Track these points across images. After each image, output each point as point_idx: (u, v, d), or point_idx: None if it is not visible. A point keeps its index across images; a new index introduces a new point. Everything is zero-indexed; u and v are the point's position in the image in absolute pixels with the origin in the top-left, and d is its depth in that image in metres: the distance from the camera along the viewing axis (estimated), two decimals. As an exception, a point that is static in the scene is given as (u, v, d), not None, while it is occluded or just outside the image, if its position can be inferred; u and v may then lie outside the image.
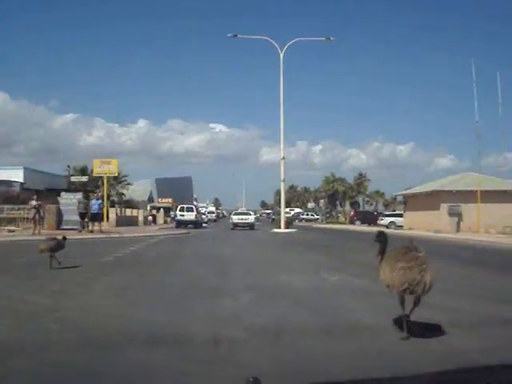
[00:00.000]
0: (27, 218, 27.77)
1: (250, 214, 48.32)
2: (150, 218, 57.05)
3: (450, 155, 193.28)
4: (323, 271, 12.17)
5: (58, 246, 12.02)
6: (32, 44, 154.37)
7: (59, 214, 31.19)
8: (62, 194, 33.01)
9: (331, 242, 26.70)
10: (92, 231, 28.16)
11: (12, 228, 27.74)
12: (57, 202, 32.08)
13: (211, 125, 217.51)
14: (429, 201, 42.17)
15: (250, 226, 44.74)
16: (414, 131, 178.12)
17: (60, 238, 12.45)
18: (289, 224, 45.18)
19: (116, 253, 16.36)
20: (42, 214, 28.26)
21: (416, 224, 43.23)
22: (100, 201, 29.97)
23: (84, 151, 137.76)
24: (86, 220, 29.36)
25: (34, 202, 26.97)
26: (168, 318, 6.61)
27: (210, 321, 6.55)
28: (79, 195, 30.91)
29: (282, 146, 43.91)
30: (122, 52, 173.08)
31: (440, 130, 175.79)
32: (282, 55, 43.67)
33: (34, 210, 26.58)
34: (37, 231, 25.58)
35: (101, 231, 28.32)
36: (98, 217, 29.47)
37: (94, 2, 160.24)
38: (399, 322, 5.71)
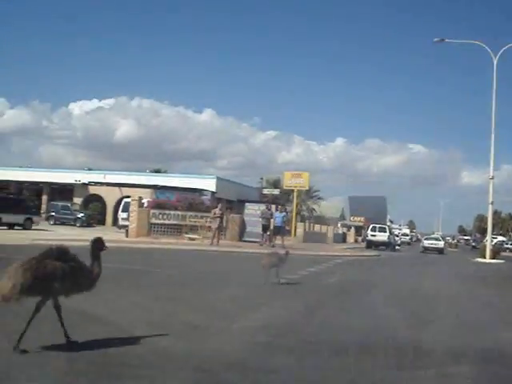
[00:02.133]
0: (209, 227, 26.55)
1: (440, 240, 50.76)
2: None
3: None
4: None
5: (280, 261, 11.64)
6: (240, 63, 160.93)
7: (243, 225, 29.71)
8: (247, 204, 31.54)
9: None
10: (274, 245, 26.07)
11: (193, 236, 26.70)
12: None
13: (409, 145, 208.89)
14: None
15: (439, 251, 46.12)
16: None
17: (283, 252, 12.21)
18: (495, 254, 39.27)
19: (291, 274, 13.16)
20: (224, 223, 26.98)
21: None
22: (284, 213, 27.86)
23: (282, 167, 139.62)
24: (268, 233, 27.44)
25: (217, 211, 25.71)
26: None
27: None
28: (263, 206, 29.10)
29: (491, 163, 38.20)
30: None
31: None
32: (495, 62, 38.05)
33: (217, 220, 25.27)
34: (215, 241, 24.13)
35: (283, 246, 26.11)
36: (280, 230, 27.38)
37: None
38: None
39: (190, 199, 29.90)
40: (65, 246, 5.45)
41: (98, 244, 5.47)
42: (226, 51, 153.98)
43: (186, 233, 27.22)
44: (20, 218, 30.48)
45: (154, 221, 27.50)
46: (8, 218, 29.67)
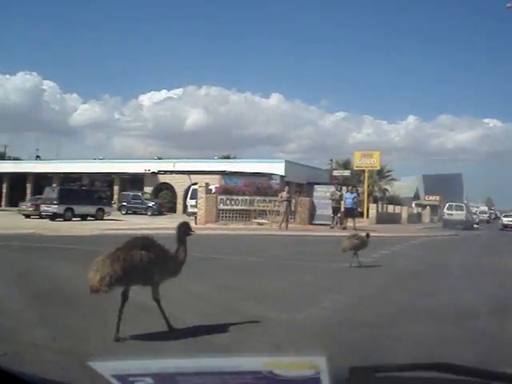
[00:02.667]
0: (277, 211, 26.01)
1: None
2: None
3: None
4: None
5: (362, 244, 11.37)
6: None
7: (312, 208, 28.98)
8: (316, 186, 30.73)
9: None
10: (345, 228, 25.24)
11: (261, 221, 26.23)
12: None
13: (484, 120, 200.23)
14: None
15: None
16: None
17: (363, 235, 11.86)
18: None
19: (364, 257, 11.86)
20: (292, 207, 26.37)
21: None
22: (354, 194, 26.89)
23: (352, 148, 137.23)
24: (339, 215, 26.62)
25: (285, 194, 25.14)
26: None
27: None
28: (332, 188, 28.26)
29: None
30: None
31: None
32: None
33: (285, 203, 24.71)
34: (283, 225, 23.56)
35: (354, 228, 25.21)
36: (352, 212, 26.50)
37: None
38: None
39: (258, 184, 29.38)
40: (150, 235, 5.50)
41: (184, 228, 5.47)
42: (292, 38, 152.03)
43: (255, 218, 26.79)
44: (92, 209, 30.98)
45: (221, 207, 27.18)
46: (80, 209, 30.24)
